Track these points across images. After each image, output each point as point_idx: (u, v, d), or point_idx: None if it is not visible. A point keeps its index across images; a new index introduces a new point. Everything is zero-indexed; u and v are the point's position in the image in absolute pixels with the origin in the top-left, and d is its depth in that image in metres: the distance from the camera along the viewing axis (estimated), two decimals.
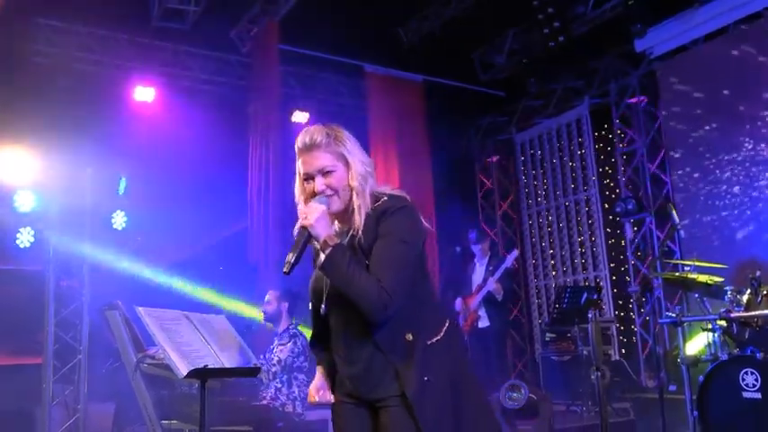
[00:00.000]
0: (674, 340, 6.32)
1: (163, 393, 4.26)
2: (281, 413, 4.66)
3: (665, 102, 7.84)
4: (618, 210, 7.94)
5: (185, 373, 2.72)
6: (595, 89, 8.70)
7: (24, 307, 6.32)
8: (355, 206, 2.11)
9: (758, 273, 4.48)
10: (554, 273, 9.33)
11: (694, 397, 4.44)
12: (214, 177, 7.32)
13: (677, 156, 7.68)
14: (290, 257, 2.01)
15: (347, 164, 2.13)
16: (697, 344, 5.61)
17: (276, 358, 4.81)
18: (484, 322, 6.51)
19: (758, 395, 4.10)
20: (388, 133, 8.27)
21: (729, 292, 4.52)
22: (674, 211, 5.51)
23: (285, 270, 2.02)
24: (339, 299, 2.07)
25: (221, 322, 3.20)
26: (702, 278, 4.75)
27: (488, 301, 6.46)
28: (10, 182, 6.06)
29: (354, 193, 2.11)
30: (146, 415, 4.19)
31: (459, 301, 6.60)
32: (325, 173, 2.11)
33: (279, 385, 4.76)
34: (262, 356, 4.85)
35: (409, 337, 2.05)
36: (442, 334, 2.12)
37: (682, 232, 6.28)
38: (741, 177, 7.04)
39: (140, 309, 2.88)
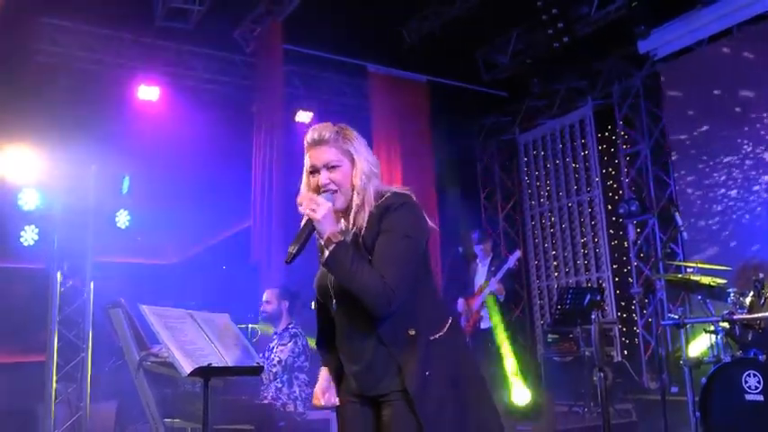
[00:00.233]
0: (677, 342, 6.32)
1: (166, 392, 4.27)
2: (282, 413, 4.67)
3: (668, 103, 7.83)
4: (621, 211, 7.93)
5: (189, 372, 2.72)
6: (599, 90, 8.70)
7: (28, 305, 6.34)
8: (358, 203, 2.14)
9: (761, 275, 4.48)
10: (556, 274, 9.33)
11: (696, 399, 4.44)
12: (217, 177, 7.33)
13: (680, 157, 7.68)
14: (293, 248, 2.04)
15: (353, 161, 2.16)
16: (699, 345, 5.61)
17: (277, 358, 4.80)
18: (486, 323, 6.51)
19: (761, 397, 4.10)
20: (391, 133, 8.27)
21: (732, 295, 4.51)
22: (677, 213, 5.52)
23: (287, 260, 2.04)
24: (343, 295, 2.09)
25: (225, 321, 3.21)
26: (705, 280, 4.75)
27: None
28: (14, 180, 6.07)
29: (357, 190, 2.13)
30: (148, 413, 4.20)
31: (461, 302, 6.60)
32: (330, 167, 2.15)
33: (279, 385, 4.76)
34: (261, 356, 4.85)
35: (412, 332, 2.06)
36: (444, 330, 2.13)
37: (685, 234, 6.28)
38: (743, 179, 7.03)
39: (144, 307, 2.89)
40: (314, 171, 2.17)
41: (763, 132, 6.87)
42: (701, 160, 7.43)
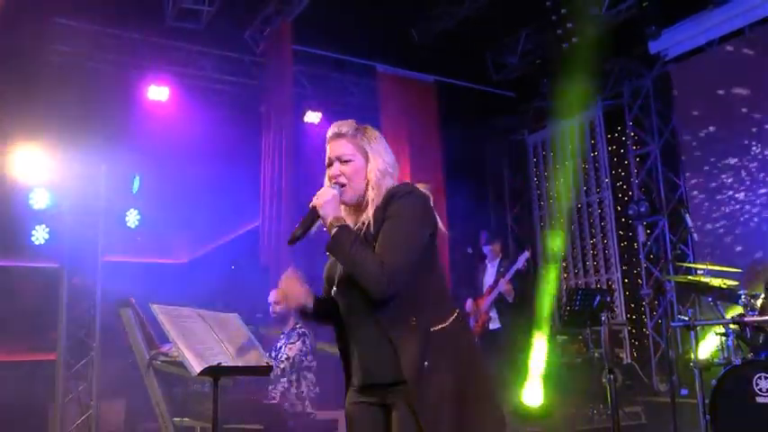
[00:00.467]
0: (687, 344, 6.29)
1: (175, 391, 4.29)
2: (290, 412, 4.68)
3: (678, 104, 7.79)
4: (631, 212, 7.90)
5: (199, 371, 2.73)
6: (609, 91, 8.66)
7: (38, 303, 6.38)
8: (369, 199, 2.18)
9: None
10: (565, 275, 9.30)
11: (707, 401, 4.41)
12: (226, 177, 7.35)
13: (691, 158, 7.64)
14: (296, 231, 2.15)
15: (367, 158, 2.22)
16: (707, 346, 5.59)
17: (285, 355, 4.83)
18: (495, 324, 6.49)
19: None
20: (399, 133, 8.26)
21: (743, 297, 4.49)
22: (687, 215, 5.49)
23: (289, 241, 2.16)
24: (347, 283, 2.13)
25: (234, 320, 3.21)
26: (716, 282, 4.72)
27: (499, 302, 6.44)
28: (25, 180, 6.12)
29: (372, 185, 2.18)
30: (158, 412, 4.22)
31: (469, 303, 6.59)
32: (343, 161, 2.22)
33: (287, 384, 4.78)
34: (267, 355, 4.87)
35: (413, 321, 2.07)
36: (447, 323, 2.12)
37: (695, 235, 6.25)
38: (751, 182, 6.99)
39: (155, 306, 2.89)
40: (330, 164, 2.25)
41: None
42: (708, 162, 7.39)
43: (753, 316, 4.40)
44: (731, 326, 4.52)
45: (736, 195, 7.11)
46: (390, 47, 8.03)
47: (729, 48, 7.24)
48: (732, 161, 7.14)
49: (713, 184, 7.31)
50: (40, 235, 6.26)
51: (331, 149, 2.25)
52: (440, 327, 2.10)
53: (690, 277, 5.21)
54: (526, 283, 6.70)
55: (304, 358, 4.83)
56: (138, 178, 6.69)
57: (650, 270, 8.12)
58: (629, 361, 7.95)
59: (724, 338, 4.62)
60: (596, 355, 6.85)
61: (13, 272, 6.79)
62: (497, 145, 10.14)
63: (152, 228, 6.94)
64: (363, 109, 8.42)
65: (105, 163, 6.23)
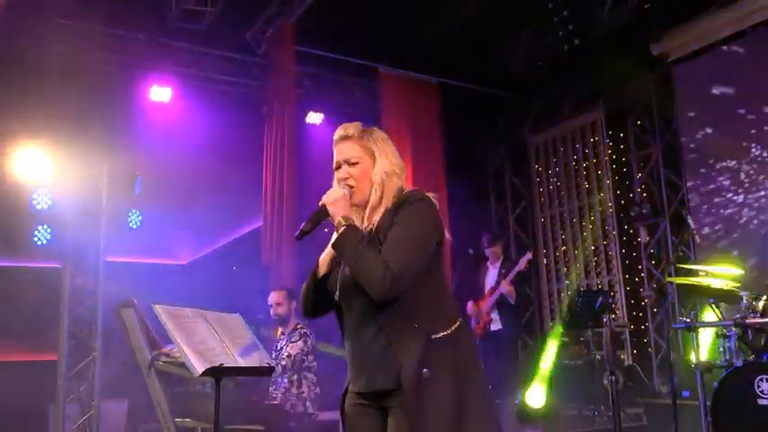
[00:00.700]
0: (688, 345, 6.28)
1: (177, 391, 4.30)
2: (292, 413, 4.68)
3: (680, 106, 7.79)
4: (632, 214, 7.90)
5: (201, 372, 2.73)
6: (610, 92, 8.65)
7: (40, 304, 6.39)
8: (375, 200, 2.20)
9: None
10: (567, 281, 9.28)
11: (708, 403, 4.41)
12: (228, 178, 7.36)
13: (693, 160, 7.64)
14: (305, 227, 2.16)
15: (374, 159, 2.23)
16: (710, 348, 5.58)
17: (286, 353, 4.84)
18: (496, 325, 6.49)
19: None
20: (401, 134, 8.26)
21: (745, 298, 4.48)
22: (689, 216, 5.49)
23: (297, 236, 2.17)
24: (351, 286, 2.12)
25: (236, 321, 3.22)
26: (717, 284, 4.72)
27: (501, 304, 6.45)
28: (27, 180, 6.12)
29: (375, 186, 2.20)
30: (160, 413, 4.23)
31: (470, 305, 6.58)
32: (351, 163, 2.23)
33: (288, 385, 4.78)
34: (269, 355, 4.88)
35: (414, 326, 2.07)
36: (450, 331, 2.12)
37: (697, 237, 6.24)
38: (749, 184, 6.99)
39: (157, 306, 2.90)
40: (337, 167, 2.26)
41: None
42: (709, 163, 7.39)
43: (754, 318, 4.39)
44: (733, 328, 4.52)
45: (735, 198, 7.11)
46: (392, 48, 8.02)
47: (732, 50, 7.23)
48: (732, 163, 7.14)
49: (713, 186, 7.30)
50: (41, 235, 6.26)
51: (338, 152, 2.26)
52: (442, 334, 2.10)
53: (692, 279, 5.21)
54: (528, 285, 6.71)
55: (305, 358, 4.84)
56: (139, 179, 6.69)
57: (652, 272, 8.12)
58: (631, 362, 7.94)
59: (726, 340, 4.62)
60: (597, 356, 6.85)
61: (15, 272, 6.80)
62: (499, 146, 10.14)
63: (154, 228, 6.94)
64: (365, 110, 8.43)
65: (107, 163, 6.23)
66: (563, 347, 7.34)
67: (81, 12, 6.76)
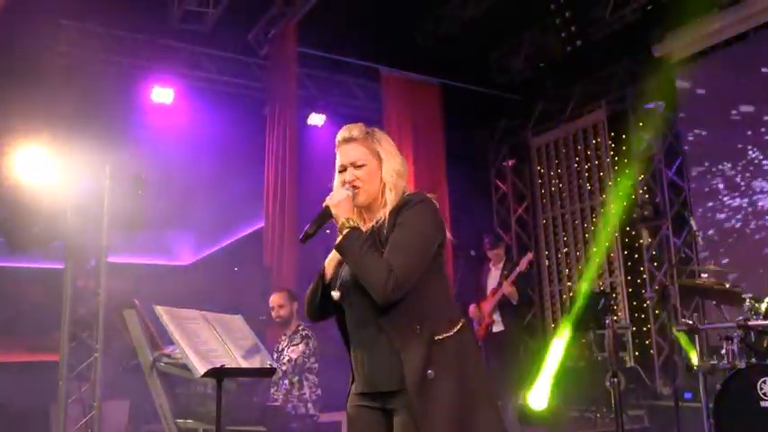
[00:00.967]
0: (691, 347, 6.27)
1: (178, 392, 4.29)
2: (293, 415, 4.68)
3: (682, 107, 7.78)
4: (634, 215, 7.88)
5: (203, 373, 2.73)
6: (613, 94, 8.65)
7: (42, 305, 6.39)
8: (383, 201, 2.20)
9: None
10: (569, 282, 9.26)
11: (711, 405, 4.40)
12: (230, 179, 7.36)
13: (695, 161, 7.63)
14: (309, 229, 2.15)
15: (380, 161, 2.23)
16: (713, 351, 5.56)
17: (287, 357, 4.83)
18: (498, 327, 6.48)
19: None
20: (403, 136, 8.26)
21: (748, 300, 4.47)
22: (691, 218, 5.49)
23: (302, 239, 2.16)
24: (354, 287, 2.13)
25: (237, 322, 3.22)
26: (720, 285, 4.71)
27: (503, 305, 6.43)
28: (29, 181, 6.12)
29: (386, 188, 2.20)
30: (161, 414, 4.22)
31: (472, 308, 6.57)
32: (357, 166, 2.23)
33: (289, 386, 4.77)
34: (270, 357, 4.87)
35: (417, 328, 2.07)
36: (452, 332, 2.12)
37: (699, 239, 6.23)
38: (746, 188, 6.99)
39: (159, 308, 2.90)
40: (342, 169, 2.25)
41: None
42: (710, 164, 7.38)
43: (757, 320, 4.38)
44: (736, 330, 4.50)
45: (737, 198, 7.10)
46: (394, 49, 8.03)
47: (734, 51, 7.22)
48: (733, 164, 7.13)
49: (716, 187, 7.30)
50: (43, 236, 6.25)
51: (343, 154, 2.25)
52: (444, 336, 2.10)
53: (694, 281, 5.20)
54: (530, 286, 6.70)
55: (307, 360, 4.83)
56: (142, 180, 6.69)
57: (654, 273, 8.10)
58: (633, 364, 7.92)
59: (728, 342, 4.61)
60: (600, 358, 6.84)
61: (17, 273, 6.80)
62: (501, 148, 10.14)
63: (156, 229, 6.94)
64: (367, 111, 8.43)
65: (109, 164, 6.22)
66: (566, 349, 7.33)
67: (83, 13, 6.78)
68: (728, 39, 7.21)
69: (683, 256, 7.80)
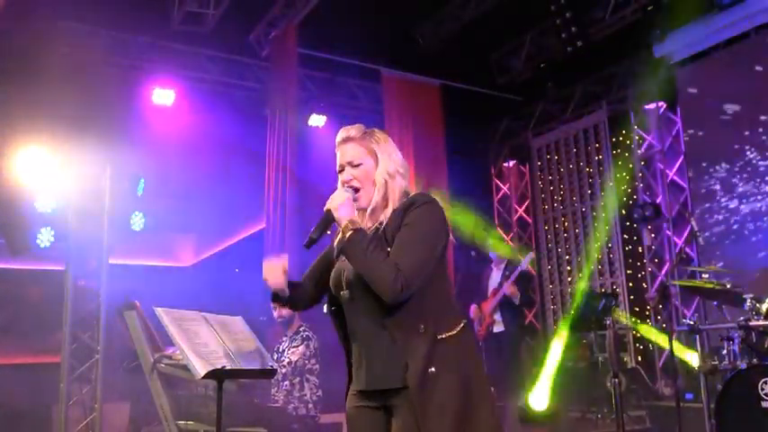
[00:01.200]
0: (692, 348, 6.27)
1: (179, 394, 4.29)
2: (294, 416, 4.67)
3: (683, 107, 7.78)
4: (635, 216, 7.88)
5: (203, 374, 2.73)
6: (613, 94, 8.66)
7: (43, 306, 6.39)
8: (378, 200, 2.21)
9: None
10: (570, 279, 9.27)
11: (712, 406, 4.39)
12: (231, 180, 7.36)
13: (696, 162, 7.62)
14: (312, 235, 2.16)
15: (377, 160, 2.23)
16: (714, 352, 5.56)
17: (287, 360, 4.82)
18: (499, 327, 6.47)
19: None
20: (404, 137, 8.27)
21: (749, 301, 4.47)
22: (692, 218, 5.48)
23: (305, 244, 2.16)
24: (357, 286, 2.13)
25: (238, 323, 3.21)
26: (721, 286, 4.70)
27: (504, 305, 6.43)
28: (30, 182, 6.13)
29: (378, 187, 2.20)
30: (162, 415, 4.22)
31: (473, 308, 6.56)
32: (353, 165, 2.23)
33: (290, 387, 4.77)
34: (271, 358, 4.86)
35: (421, 327, 2.08)
36: (454, 332, 2.13)
37: (700, 239, 6.23)
38: (743, 188, 6.98)
39: (159, 309, 2.90)
40: (341, 170, 2.26)
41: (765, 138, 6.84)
42: (717, 164, 7.37)
43: (758, 320, 4.38)
44: (737, 330, 4.50)
45: (734, 201, 7.10)
46: (395, 50, 8.03)
47: (735, 51, 7.22)
48: (735, 164, 7.13)
49: (717, 187, 7.29)
50: (45, 238, 6.28)
51: (341, 154, 2.26)
52: (447, 335, 2.11)
53: (695, 281, 5.19)
54: (531, 286, 6.69)
55: (307, 362, 4.82)
56: (142, 181, 6.70)
57: (655, 274, 8.10)
58: (634, 365, 7.92)
59: (730, 343, 4.61)
60: (600, 359, 6.83)
61: (19, 274, 6.81)
62: (502, 148, 10.14)
63: (156, 230, 6.94)
64: (368, 112, 8.44)
65: (110, 165, 6.23)
66: (567, 349, 7.33)
67: (84, 14, 6.78)
68: (728, 39, 7.20)
69: (684, 256, 7.79)
